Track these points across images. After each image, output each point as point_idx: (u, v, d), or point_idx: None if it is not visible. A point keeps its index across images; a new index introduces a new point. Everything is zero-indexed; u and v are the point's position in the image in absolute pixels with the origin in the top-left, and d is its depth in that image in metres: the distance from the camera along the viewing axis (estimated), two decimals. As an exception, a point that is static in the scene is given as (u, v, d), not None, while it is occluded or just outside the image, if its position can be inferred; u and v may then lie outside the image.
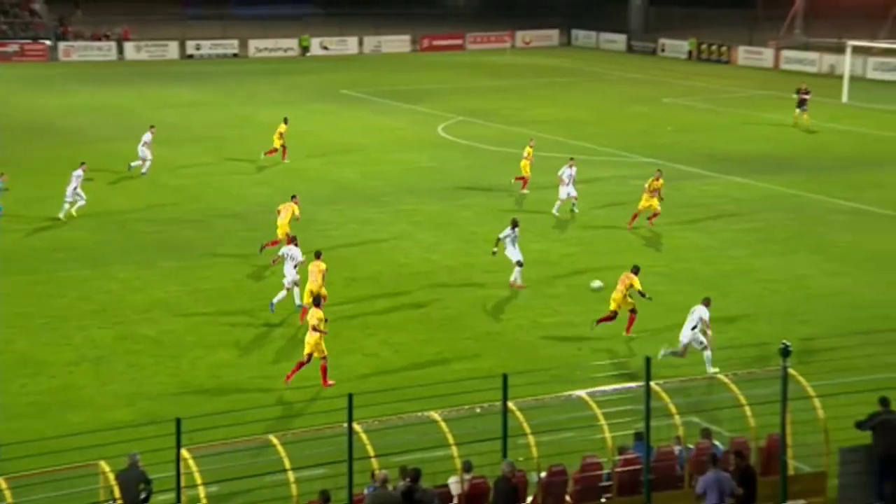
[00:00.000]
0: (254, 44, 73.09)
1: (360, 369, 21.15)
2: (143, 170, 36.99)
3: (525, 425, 15.11)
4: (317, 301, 21.09)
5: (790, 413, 15.15)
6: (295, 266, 24.00)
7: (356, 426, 14.31)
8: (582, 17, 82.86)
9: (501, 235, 25.78)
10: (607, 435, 15.46)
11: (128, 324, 23.49)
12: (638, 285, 22.50)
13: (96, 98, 54.32)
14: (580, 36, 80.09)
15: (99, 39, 71.38)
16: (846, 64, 53.25)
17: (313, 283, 23.20)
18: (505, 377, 14.97)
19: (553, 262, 27.85)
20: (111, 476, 14.13)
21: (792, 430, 15.32)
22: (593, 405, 15.59)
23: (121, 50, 70.38)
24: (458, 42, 77.89)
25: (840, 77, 52.74)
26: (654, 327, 23.11)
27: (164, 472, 14.27)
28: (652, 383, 15.34)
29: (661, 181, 30.31)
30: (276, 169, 38.61)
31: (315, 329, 20.06)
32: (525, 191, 34.37)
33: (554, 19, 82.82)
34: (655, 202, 30.06)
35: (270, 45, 73.65)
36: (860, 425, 15.76)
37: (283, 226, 27.41)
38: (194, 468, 13.99)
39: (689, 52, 70.24)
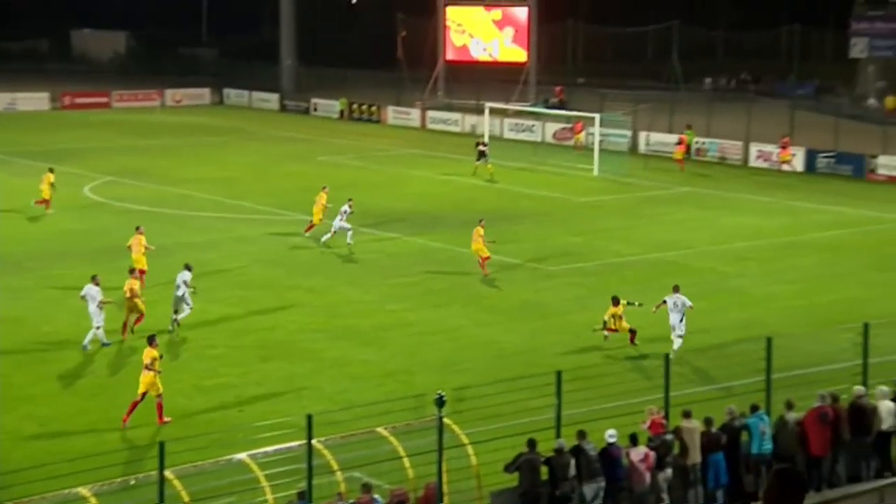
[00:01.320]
0: None
1: None
2: None
3: (183, 493, 14.62)
4: (151, 340, 21.61)
5: (446, 461, 15.68)
6: (99, 305, 24.48)
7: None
8: (234, 76, 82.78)
9: (183, 280, 26.30)
10: (269, 497, 15.26)
11: None
12: (619, 312, 25.08)
13: None
14: (232, 95, 79.85)
15: None
16: (485, 124, 56.67)
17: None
18: (161, 445, 14.43)
19: (212, 322, 27.33)
20: None
21: (448, 478, 15.86)
22: (255, 467, 15.36)
23: None
24: (104, 100, 75.21)
25: (481, 136, 55.96)
26: (314, 385, 23.24)
27: None
28: (314, 441, 15.36)
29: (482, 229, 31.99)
30: None
31: (148, 368, 20.76)
32: (307, 234, 36.03)
33: (205, 78, 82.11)
34: (482, 247, 31.63)
35: None
36: (507, 468, 16.60)
37: (138, 259, 29.26)
38: None
39: (341, 112, 71.92)
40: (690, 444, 17.70)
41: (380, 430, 16.66)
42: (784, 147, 50.12)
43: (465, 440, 16.37)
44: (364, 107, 70.85)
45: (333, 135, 63.06)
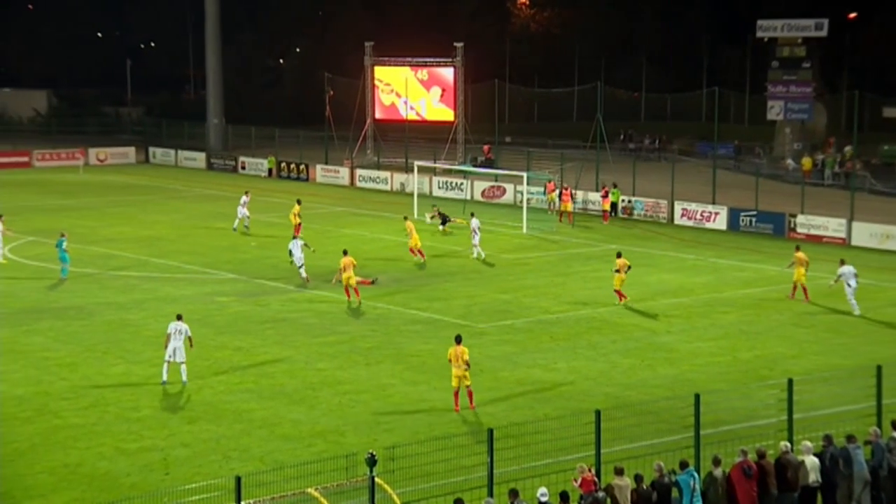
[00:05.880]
0: None
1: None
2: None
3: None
4: (458, 339, 25.27)
5: (379, 522, 15.47)
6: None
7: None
8: (159, 134, 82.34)
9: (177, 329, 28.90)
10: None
11: None
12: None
13: None
14: (158, 153, 79.35)
15: None
16: (414, 182, 56.96)
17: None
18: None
19: (136, 383, 26.80)
20: None
21: (381, 539, 15.64)
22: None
23: None
24: (24, 159, 74.19)
25: (410, 194, 56.22)
26: (242, 446, 22.87)
27: None
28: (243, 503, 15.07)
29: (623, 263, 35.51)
30: None
31: (467, 365, 24.84)
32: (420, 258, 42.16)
33: (130, 136, 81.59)
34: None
35: None
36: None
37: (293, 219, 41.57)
38: None
39: (270, 170, 71.82)
40: (622, 501, 17.73)
41: (310, 490, 16.40)
42: (563, 195, 52.48)
43: (398, 500, 16.19)
44: (293, 165, 70.84)
45: (262, 193, 62.77)
